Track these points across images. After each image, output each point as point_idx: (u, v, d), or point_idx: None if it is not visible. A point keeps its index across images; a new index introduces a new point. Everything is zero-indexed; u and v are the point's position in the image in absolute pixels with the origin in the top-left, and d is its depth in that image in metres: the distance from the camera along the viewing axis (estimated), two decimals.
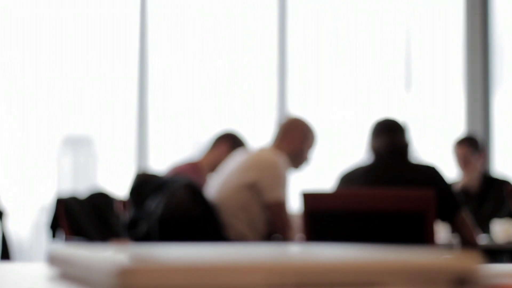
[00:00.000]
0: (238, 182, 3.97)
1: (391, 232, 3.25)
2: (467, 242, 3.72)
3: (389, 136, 3.77)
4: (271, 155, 3.99)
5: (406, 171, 3.67)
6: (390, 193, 3.32)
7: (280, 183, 3.96)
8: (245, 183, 3.96)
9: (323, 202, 3.35)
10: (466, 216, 3.72)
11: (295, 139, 4.15)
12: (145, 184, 3.90)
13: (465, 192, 5.28)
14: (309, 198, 3.36)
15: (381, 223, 3.25)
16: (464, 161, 5.29)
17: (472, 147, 5.32)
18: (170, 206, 3.77)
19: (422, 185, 3.56)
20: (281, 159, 3.99)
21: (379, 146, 3.77)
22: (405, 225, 3.25)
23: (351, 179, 3.77)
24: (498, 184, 5.20)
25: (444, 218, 3.64)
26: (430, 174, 3.64)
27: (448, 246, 4.29)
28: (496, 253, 4.65)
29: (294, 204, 4.67)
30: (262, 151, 4.06)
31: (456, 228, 3.69)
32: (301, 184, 6.11)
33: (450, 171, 5.88)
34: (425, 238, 3.21)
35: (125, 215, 4.03)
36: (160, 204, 3.78)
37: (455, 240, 3.98)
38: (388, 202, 3.24)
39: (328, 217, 3.33)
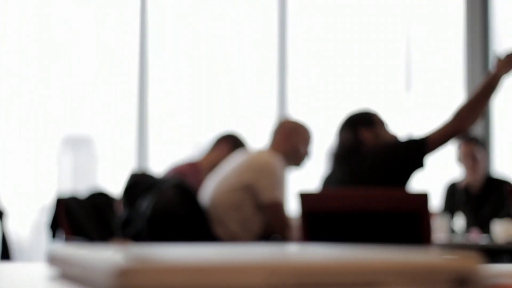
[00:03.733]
0: (234, 183, 3.99)
1: (388, 232, 3.26)
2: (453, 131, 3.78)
3: (339, 135, 3.88)
4: (268, 157, 4.01)
5: (367, 160, 3.74)
6: (386, 193, 3.33)
7: (277, 184, 3.97)
8: (240, 184, 3.97)
9: (321, 202, 3.36)
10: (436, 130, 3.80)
11: (288, 138, 4.18)
12: (138, 184, 3.92)
13: (466, 192, 5.28)
14: (307, 198, 3.37)
15: (378, 223, 3.26)
16: (472, 159, 5.29)
17: (478, 146, 5.33)
18: (159, 206, 3.78)
19: (387, 160, 3.64)
20: (277, 160, 4.00)
21: (334, 147, 3.89)
22: (402, 225, 3.26)
23: (329, 182, 3.86)
24: (498, 185, 5.20)
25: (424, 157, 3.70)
26: (391, 147, 3.71)
27: (445, 246, 4.29)
28: (496, 253, 4.65)
29: (294, 205, 4.65)
30: (259, 153, 4.08)
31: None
32: (302, 184, 6.11)
33: (450, 170, 5.88)
34: (422, 237, 3.22)
35: (120, 215, 4.04)
36: (150, 204, 3.79)
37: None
38: (385, 202, 3.25)
39: (325, 217, 3.33)
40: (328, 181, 3.90)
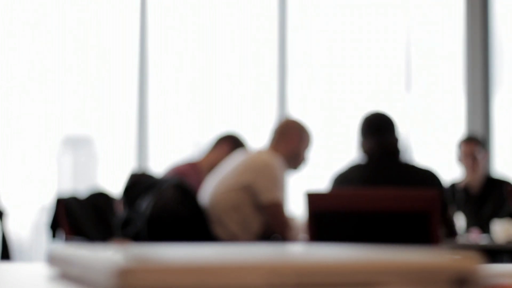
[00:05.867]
0: (233, 183, 3.98)
1: (396, 232, 3.25)
2: (449, 235, 3.86)
3: (379, 136, 3.76)
4: (267, 157, 4.00)
5: (403, 173, 3.68)
6: (395, 193, 3.31)
7: (276, 184, 3.96)
8: (240, 184, 3.96)
9: (328, 202, 3.35)
10: (451, 213, 3.82)
11: (291, 141, 4.15)
12: (137, 184, 3.91)
13: (466, 191, 5.28)
14: (314, 198, 3.35)
15: (386, 223, 3.25)
16: (472, 159, 5.29)
17: (479, 146, 5.33)
18: (159, 206, 3.78)
19: (419, 187, 3.58)
20: (277, 161, 3.99)
21: (370, 146, 3.76)
22: (410, 226, 3.25)
23: (345, 180, 3.77)
24: (498, 185, 5.20)
25: None
26: (428, 178, 3.64)
27: (451, 246, 4.29)
28: (496, 253, 4.65)
29: (297, 205, 4.66)
30: (258, 153, 4.06)
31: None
32: (303, 185, 6.12)
33: (450, 170, 5.88)
34: (429, 238, 3.21)
35: (119, 215, 4.04)
36: (149, 204, 3.79)
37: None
38: (393, 202, 3.24)
39: (332, 217, 3.32)
40: (346, 180, 3.80)
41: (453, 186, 5.39)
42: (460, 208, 5.24)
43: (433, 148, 7.11)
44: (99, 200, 4.41)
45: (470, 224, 5.14)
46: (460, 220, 5.17)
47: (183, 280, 0.50)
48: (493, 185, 5.25)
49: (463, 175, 5.35)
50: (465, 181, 5.31)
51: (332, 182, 3.84)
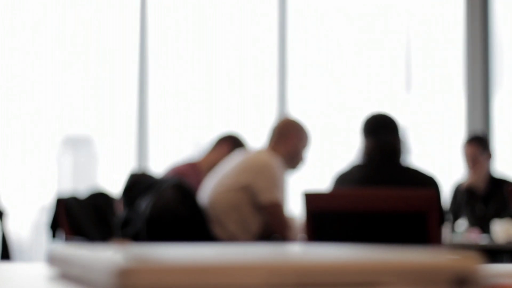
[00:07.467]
0: (232, 183, 3.98)
1: (394, 232, 3.25)
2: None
3: (378, 136, 3.74)
4: (266, 158, 3.99)
5: (401, 175, 3.66)
6: (393, 193, 3.30)
7: (275, 184, 3.96)
8: (239, 184, 3.96)
9: (326, 202, 3.34)
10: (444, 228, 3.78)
11: (290, 141, 4.15)
12: (137, 184, 3.91)
13: (471, 192, 5.28)
14: (312, 198, 3.35)
15: (384, 223, 3.24)
16: (472, 161, 5.28)
17: (481, 147, 5.32)
18: (158, 206, 3.78)
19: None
20: (276, 161, 3.99)
21: (370, 147, 3.74)
22: (408, 226, 3.25)
23: (345, 180, 3.76)
24: (503, 185, 5.19)
25: None
26: (426, 183, 3.62)
27: (446, 246, 4.30)
28: (496, 253, 4.65)
29: (296, 205, 4.65)
30: (258, 153, 4.06)
31: None
32: (303, 185, 6.11)
33: (451, 170, 5.88)
34: (428, 238, 3.21)
35: (119, 215, 4.04)
36: (149, 204, 3.79)
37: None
38: (391, 202, 3.23)
39: (330, 217, 3.32)
40: (346, 180, 3.78)
41: (457, 186, 5.39)
42: (463, 208, 5.24)
43: (433, 148, 7.11)
44: (99, 200, 4.41)
45: (473, 224, 5.13)
46: (462, 220, 5.17)
47: (183, 280, 0.50)
48: (498, 185, 5.25)
49: (466, 176, 5.35)
50: (468, 182, 5.31)
51: (333, 182, 3.83)
